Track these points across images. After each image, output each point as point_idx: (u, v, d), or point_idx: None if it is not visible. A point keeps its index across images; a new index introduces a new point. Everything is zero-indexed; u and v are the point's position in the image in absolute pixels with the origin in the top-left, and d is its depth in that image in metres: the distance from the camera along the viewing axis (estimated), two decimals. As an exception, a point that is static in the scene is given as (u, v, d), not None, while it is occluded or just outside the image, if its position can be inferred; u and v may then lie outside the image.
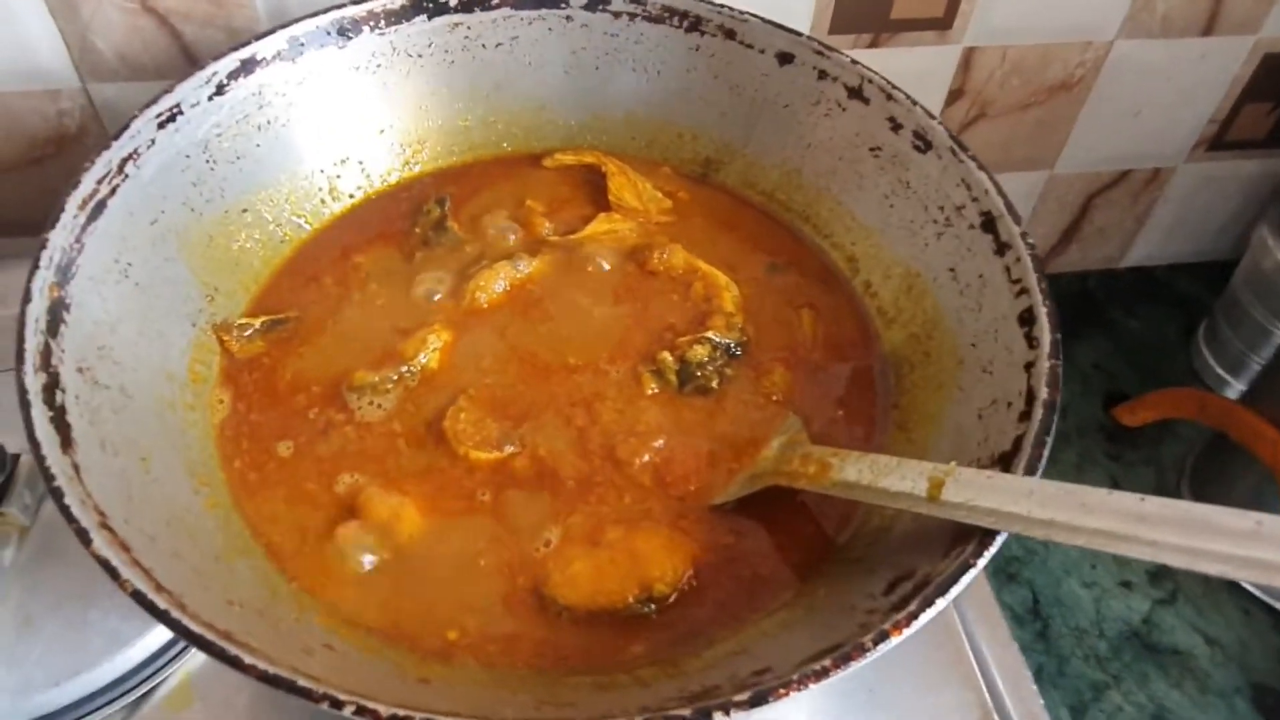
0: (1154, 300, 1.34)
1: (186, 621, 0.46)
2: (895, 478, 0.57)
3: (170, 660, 0.69)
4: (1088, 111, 1.14)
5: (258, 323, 0.73)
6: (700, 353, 0.73)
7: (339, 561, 0.61)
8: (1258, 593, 1.02)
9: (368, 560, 0.61)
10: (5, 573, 0.70)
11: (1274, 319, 1.13)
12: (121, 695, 0.68)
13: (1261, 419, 0.95)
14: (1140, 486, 1.13)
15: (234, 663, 0.45)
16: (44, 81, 0.94)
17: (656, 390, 0.72)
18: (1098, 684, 0.96)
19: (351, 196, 0.85)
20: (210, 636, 0.46)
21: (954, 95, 1.10)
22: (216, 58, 0.75)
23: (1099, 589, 1.03)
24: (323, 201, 0.83)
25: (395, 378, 0.71)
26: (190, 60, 0.94)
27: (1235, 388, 1.21)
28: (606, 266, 0.81)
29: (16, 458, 0.74)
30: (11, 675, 0.65)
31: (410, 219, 0.85)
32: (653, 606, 0.61)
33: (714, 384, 0.73)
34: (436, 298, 0.78)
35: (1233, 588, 1.04)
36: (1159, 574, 1.05)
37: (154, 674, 0.69)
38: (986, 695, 0.74)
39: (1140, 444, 1.17)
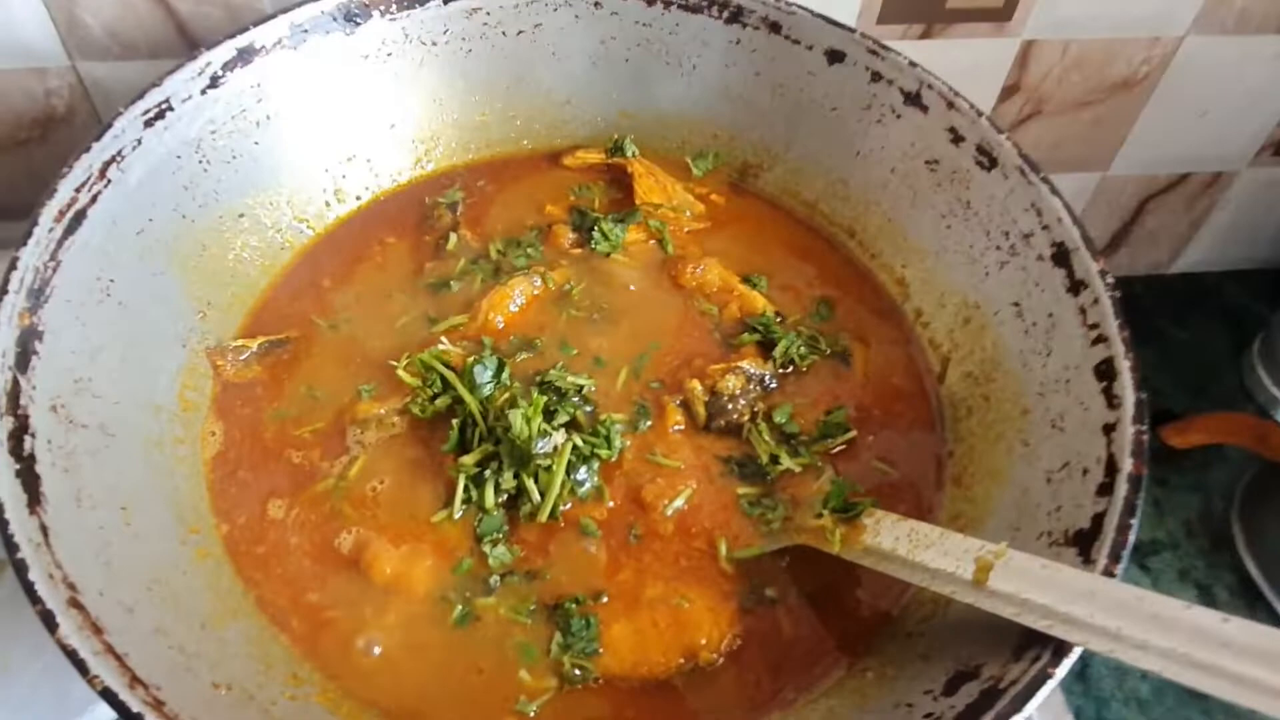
0: (1204, 309, 1.27)
1: (163, 727, 0.41)
2: (937, 552, 0.51)
3: (157, 710, 0.64)
4: (1150, 111, 1.06)
5: (255, 345, 0.67)
6: (732, 384, 0.67)
7: (346, 634, 0.55)
8: (1310, 634, 0.97)
9: (373, 642, 0.55)
10: (-20, 612, 0.65)
11: (1338, 339, 1.06)
12: (104, 747, 0.63)
13: (1328, 456, 0.89)
14: (1186, 513, 1.07)
15: (215, 779, 0.40)
16: (30, 59, 0.86)
17: (682, 425, 0.66)
18: (1138, 729, 0.91)
19: (358, 198, 0.78)
20: (189, 744, 0.41)
21: (1008, 91, 1.02)
22: (210, 46, 0.68)
23: (1141, 625, 0.98)
24: (327, 204, 0.77)
25: (400, 409, 0.65)
26: (185, 38, 0.87)
27: (1290, 408, 1.14)
28: (633, 287, 0.74)
29: (-8, 484, 0.68)
30: (-15, 728, 0.61)
31: (421, 224, 0.78)
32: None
33: (745, 420, 0.66)
34: (448, 317, 0.71)
35: (1282, 626, 0.98)
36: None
37: (139, 724, 0.64)
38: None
39: (1186, 467, 1.10)
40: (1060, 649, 0.46)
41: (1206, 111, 1.08)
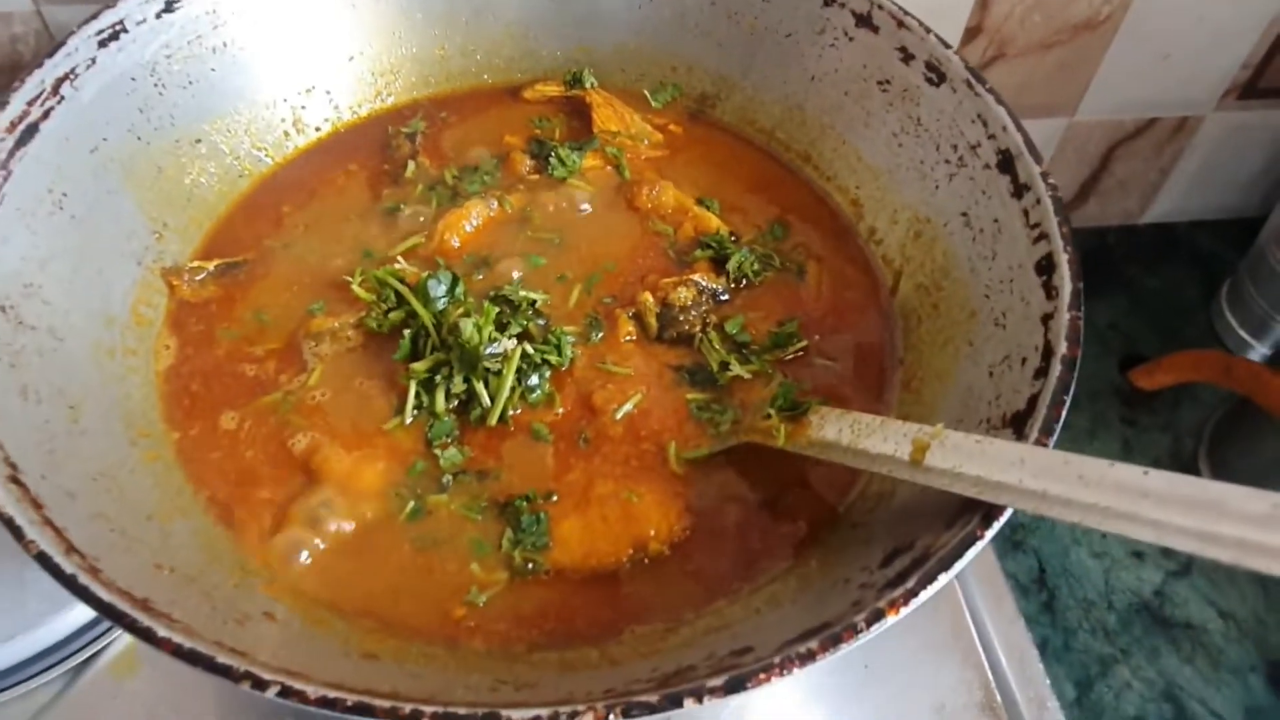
0: (1174, 258, 1.28)
1: (95, 587, 0.41)
2: (877, 439, 0.52)
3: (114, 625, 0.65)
4: (1113, 53, 1.07)
5: (211, 266, 0.68)
6: (684, 295, 0.67)
7: (296, 533, 0.55)
8: (1276, 565, 0.97)
9: (329, 525, 0.56)
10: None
11: (1304, 278, 1.07)
12: (61, 661, 0.64)
13: (1291, 383, 0.89)
14: (1156, 452, 1.08)
15: (145, 635, 0.40)
16: (-7, 3, 0.87)
17: (634, 336, 0.67)
18: (1105, 658, 0.92)
19: (318, 129, 0.79)
20: (121, 604, 0.41)
21: (970, 33, 1.02)
22: (164, -29, 0.69)
23: (1109, 559, 0.98)
24: (286, 134, 0.77)
25: (355, 323, 0.66)
26: (149, -19, 0.87)
27: (1259, 350, 1.15)
28: (589, 208, 0.75)
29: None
30: (-60, 638, 0.61)
31: (381, 154, 0.79)
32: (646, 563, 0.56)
33: (697, 331, 0.67)
34: (405, 240, 0.71)
35: (1250, 560, 0.99)
36: (1172, 544, 1.00)
37: (98, 637, 0.65)
38: (989, 672, 0.69)
39: (1157, 408, 1.11)
40: (990, 514, 0.46)
41: (1169, 54, 1.08)
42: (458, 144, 0.79)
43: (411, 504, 0.58)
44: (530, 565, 0.55)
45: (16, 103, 0.60)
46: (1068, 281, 0.56)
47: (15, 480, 0.45)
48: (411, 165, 0.77)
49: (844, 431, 0.54)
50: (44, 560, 0.42)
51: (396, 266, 0.68)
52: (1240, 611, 0.95)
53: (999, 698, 0.69)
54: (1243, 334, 1.15)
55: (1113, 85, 1.10)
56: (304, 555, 0.55)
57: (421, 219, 0.73)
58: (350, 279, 0.67)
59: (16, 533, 0.42)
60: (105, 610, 0.41)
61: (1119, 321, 1.20)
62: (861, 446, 0.53)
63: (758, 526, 0.59)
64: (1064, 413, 0.50)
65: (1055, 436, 0.50)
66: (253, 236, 0.71)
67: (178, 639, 0.40)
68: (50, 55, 0.63)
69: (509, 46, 0.84)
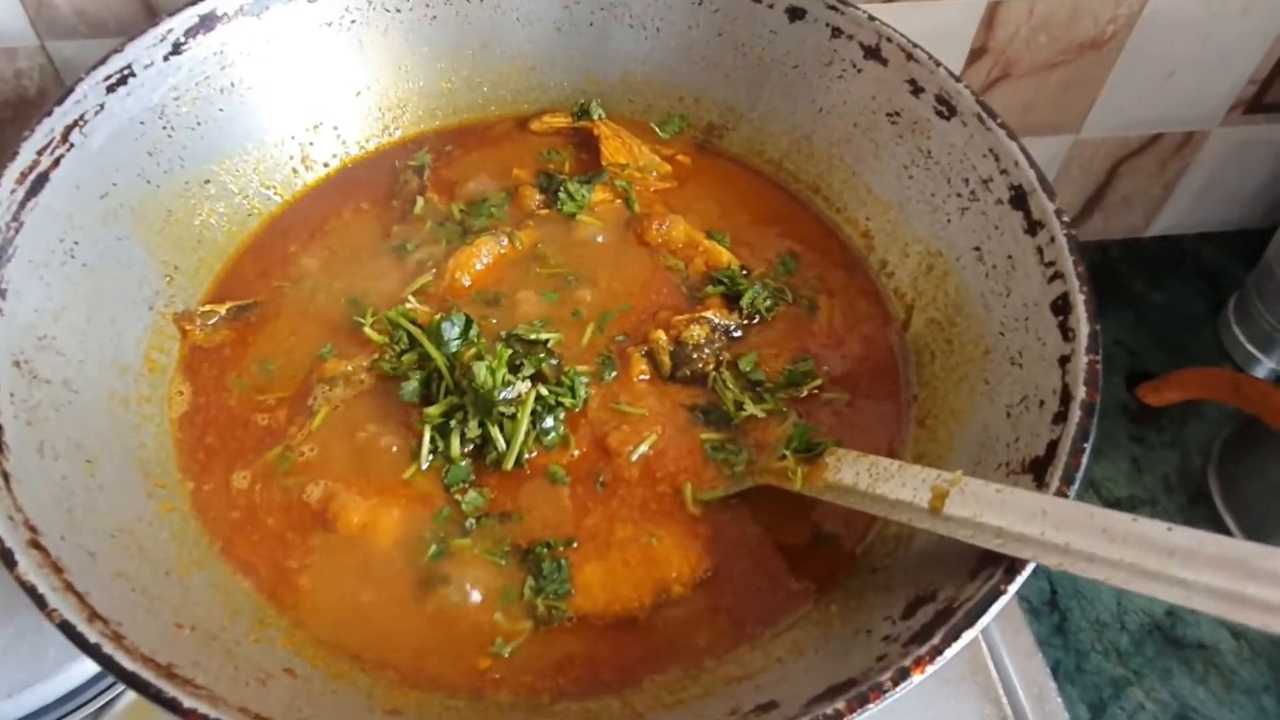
0: (1180, 272, 1.27)
1: (119, 656, 0.41)
2: (895, 484, 0.52)
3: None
4: (1118, 72, 1.07)
5: (223, 309, 0.68)
6: (696, 333, 0.67)
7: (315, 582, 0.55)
8: (1287, 584, 0.97)
9: (343, 589, 0.56)
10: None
11: (1312, 294, 1.07)
12: (81, 706, 0.64)
13: (1301, 404, 0.89)
14: (1164, 469, 1.08)
15: (171, 705, 0.40)
16: (-2, 39, 0.87)
17: (647, 375, 0.66)
18: (1118, 680, 0.92)
19: (326, 165, 0.79)
20: (146, 674, 0.41)
21: (975, 54, 1.02)
22: (172, 13, 0.69)
23: (1120, 580, 0.98)
24: (294, 171, 0.77)
25: (368, 366, 0.66)
26: (154, 16, 0.87)
27: (1266, 365, 1.14)
28: (600, 240, 0.75)
29: (-37, 451, 0.68)
30: (-42, 689, 0.61)
31: (389, 189, 0.79)
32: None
33: (710, 369, 0.67)
34: (416, 279, 0.71)
35: (1261, 578, 0.99)
36: (1183, 564, 1.00)
37: (114, 684, 0.64)
38: (1007, 706, 0.69)
39: (1165, 425, 1.11)
40: (1013, 567, 0.46)
41: (1175, 71, 1.08)
42: (465, 178, 0.79)
43: (434, 548, 0.57)
44: (553, 613, 0.55)
45: (26, 152, 0.60)
46: (1084, 323, 0.56)
47: (36, 544, 0.45)
48: (420, 201, 0.77)
49: (861, 475, 0.54)
50: (67, 629, 0.42)
51: (408, 306, 0.68)
52: (1252, 631, 0.95)
53: (1017, 732, 0.69)
54: (1250, 349, 1.15)
55: (1117, 103, 1.10)
56: (323, 604, 0.55)
57: (431, 257, 0.73)
58: (362, 320, 0.67)
59: (39, 601, 0.42)
60: (129, 680, 0.41)
61: (1124, 337, 1.20)
62: (879, 491, 0.52)
63: (775, 569, 0.59)
64: (1084, 460, 0.50)
65: (1076, 485, 0.49)
66: (262, 277, 0.71)
67: (203, 709, 0.40)
68: (59, 102, 0.63)
69: (515, 79, 0.83)
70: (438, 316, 0.65)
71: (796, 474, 0.57)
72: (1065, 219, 0.61)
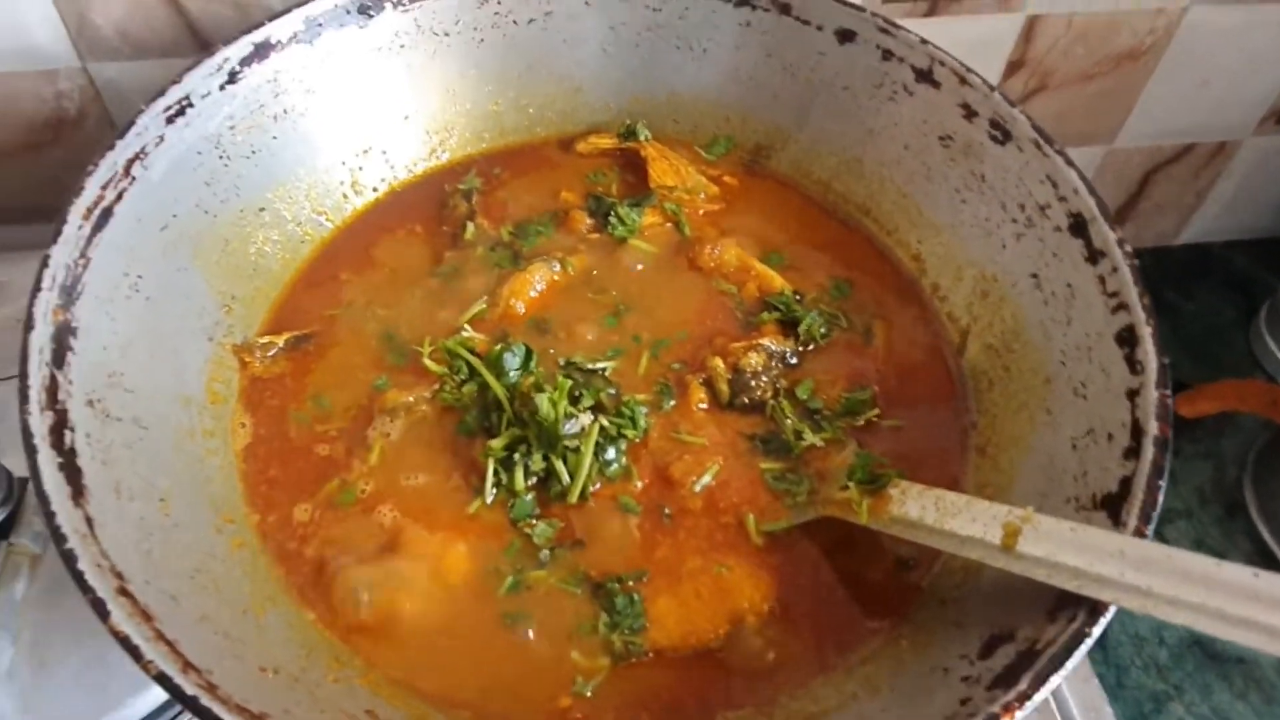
0: (1211, 280, 1.27)
1: (217, 709, 0.42)
2: (964, 519, 0.52)
3: (196, 700, 0.65)
4: (1154, 82, 1.07)
5: (281, 341, 0.68)
6: (754, 361, 0.67)
7: (382, 613, 0.56)
8: (1326, 597, 0.98)
9: (413, 609, 0.56)
10: (18, 608, 0.65)
11: (1347, 305, 1.07)
12: (144, 739, 0.64)
13: (1342, 419, 0.89)
14: (1198, 480, 1.08)
15: (274, 759, 0.40)
16: (41, 61, 0.87)
17: (706, 403, 0.67)
18: (1159, 695, 0.92)
19: (375, 190, 0.79)
20: (246, 727, 0.41)
21: (1013, 66, 1.02)
22: (227, 42, 0.69)
23: (1159, 593, 0.99)
24: (345, 196, 0.77)
25: (429, 396, 0.66)
26: (196, 37, 0.87)
27: (1300, 375, 1.15)
28: (652, 264, 0.75)
29: (25, 482, 0.68)
30: (28, 721, 0.61)
31: (439, 214, 0.79)
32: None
33: (769, 397, 0.67)
34: (470, 307, 0.71)
35: (1299, 591, 0.99)
36: (1222, 576, 1.00)
37: (179, 715, 0.65)
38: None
39: (1199, 436, 1.11)
40: (1095, 609, 0.46)
41: (1209, 81, 1.08)
42: (514, 202, 0.79)
43: (510, 579, 0.58)
44: (630, 648, 0.56)
45: (91, 188, 0.60)
46: (1153, 356, 0.56)
47: (124, 591, 0.46)
48: (470, 227, 0.77)
49: (928, 510, 0.54)
50: (164, 681, 0.42)
51: (465, 335, 0.68)
52: (1291, 644, 0.96)
53: (1074, 756, 0.69)
54: (1283, 358, 1.16)
55: (1152, 113, 1.10)
56: (394, 643, 0.55)
57: (484, 283, 0.73)
58: (420, 350, 0.67)
59: (134, 653, 0.43)
60: (230, 732, 0.41)
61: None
62: (947, 527, 0.53)
63: (844, 599, 0.59)
64: (1160, 497, 0.51)
65: (1154, 523, 0.50)
66: (317, 306, 0.71)
67: (304, 761, 0.40)
68: (121, 136, 0.63)
69: (562, 100, 0.83)
70: (498, 347, 0.65)
71: (861, 507, 0.58)
72: (1128, 249, 0.61)
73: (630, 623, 0.56)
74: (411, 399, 0.65)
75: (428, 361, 0.67)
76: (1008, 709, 0.43)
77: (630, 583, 0.58)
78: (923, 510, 0.54)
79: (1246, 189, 1.23)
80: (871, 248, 0.77)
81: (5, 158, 0.93)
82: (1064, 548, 0.48)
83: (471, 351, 0.66)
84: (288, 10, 0.70)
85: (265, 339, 0.68)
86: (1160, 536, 1.02)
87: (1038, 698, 0.44)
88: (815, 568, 0.60)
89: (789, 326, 0.70)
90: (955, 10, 0.95)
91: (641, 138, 0.82)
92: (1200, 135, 1.15)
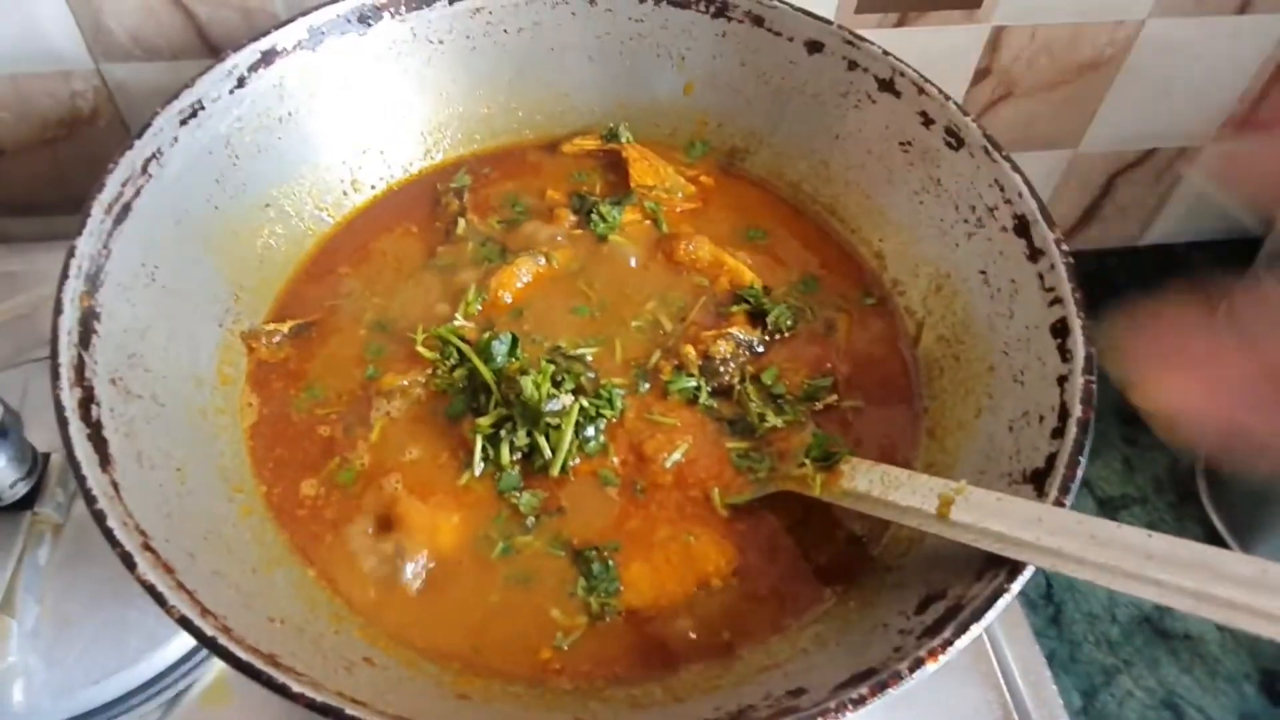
0: (1174, 279, 1.33)
1: (233, 648, 0.47)
2: (905, 492, 0.58)
3: (208, 657, 0.70)
4: (1115, 90, 1.12)
5: (285, 328, 0.73)
6: (723, 348, 0.73)
7: (381, 576, 0.61)
8: (1269, 578, 1.03)
9: (410, 571, 0.62)
10: (42, 572, 0.71)
11: (1296, 304, 1.12)
12: (160, 692, 0.69)
13: (1282, 411, 0.95)
14: (1155, 470, 1.14)
15: (282, 690, 0.46)
16: (56, 63, 0.92)
17: (678, 386, 0.72)
18: (1109, 669, 0.98)
19: (373, 188, 0.84)
20: (257, 664, 0.47)
21: (980, 74, 1.08)
22: (236, 49, 0.74)
23: (1112, 574, 1.04)
24: (344, 194, 0.82)
25: (424, 380, 0.71)
26: (205, 41, 0.92)
27: (1253, 370, 1.20)
28: (633, 261, 0.80)
29: (47, 457, 0.74)
30: (53, 675, 0.67)
31: (432, 210, 0.84)
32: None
33: (736, 382, 0.72)
34: (461, 297, 0.76)
35: (1245, 573, 1.05)
36: (1172, 559, 1.06)
37: (191, 670, 0.70)
38: (1006, 692, 0.75)
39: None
40: (1015, 569, 0.52)
41: (1169, 89, 1.13)
42: (503, 199, 0.85)
43: (501, 545, 0.64)
44: (605, 609, 0.61)
45: (111, 185, 0.65)
46: (1081, 346, 0.62)
47: (148, 547, 0.51)
48: (462, 223, 0.82)
49: (874, 483, 0.60)
50: (185, 623, 0.48)
51: (456, 324, 0.74)
52: (1236, 622, 1.02)
53: (1015, 716, 0.75)
54: (1238, 354, 1.21)
55: (1115, 119, 1.16)
56: (392, 603, 0.61)
57: (474, 276, 0.78)
58: (414, 337, 0.73)
59: (159, 599, 0.48)
60: (243, 668, 0.46)
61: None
62: (890, 498, 0.58)
63: (801, 568, 0.64)
64: (1080, 472, 0.56)
65: (1073, 495, 0.55)
66: (318, 296, 0.77)
67: (310, 694, 0.46)
68: (139, 136, 0.68)
69: (549, 104, 0.89)
70: (486, 335, 0.70)
71: (815, 481, 0.63)
72: (1064, 248, 0.66)
73: (606, 586, 0.62)
74: (406, 382, 0.70)
75: (421, 348, 0.72)
76: (932, 653, 0.49)
77: (606, 552, 0.63)
78: (869, 484, 0.60)
79: (1206, 193, 1.29)
80: (836, 245, 0.83)
81: (21, 153, 0.99)
82: (990, 515, 0.53)
83: (462, 339, 0.72)
84: (292, 19, 0.76)
85: (270, 326, 0.73)
86: (1115, 520, 1.08)
87: (960, 644, 0.49)
88: (775, 539, 0.66)
89: (757, 318, 0.76)
90: (924, 22, 1.01)
91: (623, 139, 0.87)
92: (1161, 141, 1.21)
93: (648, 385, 0.72)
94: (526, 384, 0.66)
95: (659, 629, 0.61)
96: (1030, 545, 0.51)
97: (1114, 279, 1.33)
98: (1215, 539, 1.08)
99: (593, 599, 0.62)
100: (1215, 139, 1.21)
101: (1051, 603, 1.02)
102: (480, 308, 0.76)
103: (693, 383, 0.71)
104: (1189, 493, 1.12)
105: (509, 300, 0.77)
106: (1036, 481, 0.58)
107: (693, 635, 0.60)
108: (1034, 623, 0.98)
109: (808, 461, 0.65)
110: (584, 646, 0.59)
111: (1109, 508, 1.10)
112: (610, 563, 0.63)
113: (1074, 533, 0.50)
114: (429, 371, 0.71)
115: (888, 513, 0.58)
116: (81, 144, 0.99)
